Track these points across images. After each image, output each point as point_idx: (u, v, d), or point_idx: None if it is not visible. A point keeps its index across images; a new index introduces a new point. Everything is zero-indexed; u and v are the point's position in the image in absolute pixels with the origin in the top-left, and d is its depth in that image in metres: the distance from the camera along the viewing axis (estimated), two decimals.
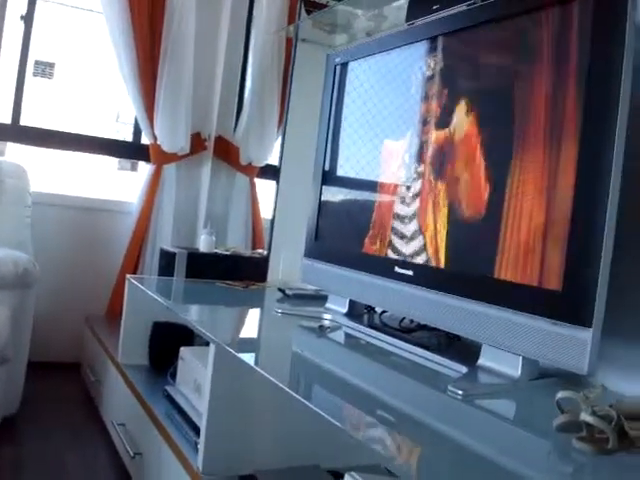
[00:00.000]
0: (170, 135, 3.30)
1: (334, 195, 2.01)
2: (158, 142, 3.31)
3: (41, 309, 2.66)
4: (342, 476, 1.44)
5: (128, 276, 2.45)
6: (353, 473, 1.14)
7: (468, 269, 1.46)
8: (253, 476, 1.52)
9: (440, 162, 1.56)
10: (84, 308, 3.28)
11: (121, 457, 2.19)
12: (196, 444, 1.62)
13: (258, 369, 1.35)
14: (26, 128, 3.34)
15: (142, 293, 2.29)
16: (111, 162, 12.88)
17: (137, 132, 3.56)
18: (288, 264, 2.80)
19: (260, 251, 3.24)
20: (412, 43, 1.72)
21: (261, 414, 1.61)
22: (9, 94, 3.31)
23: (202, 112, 3.51)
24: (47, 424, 2.56)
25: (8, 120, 3.31)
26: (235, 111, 3.60)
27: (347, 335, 1.79)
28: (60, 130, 3.47)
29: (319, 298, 2.22)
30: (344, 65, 2.02)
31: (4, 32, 3.24)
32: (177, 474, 1.64)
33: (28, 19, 3.29)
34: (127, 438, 2.08)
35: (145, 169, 3.47)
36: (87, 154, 3.57)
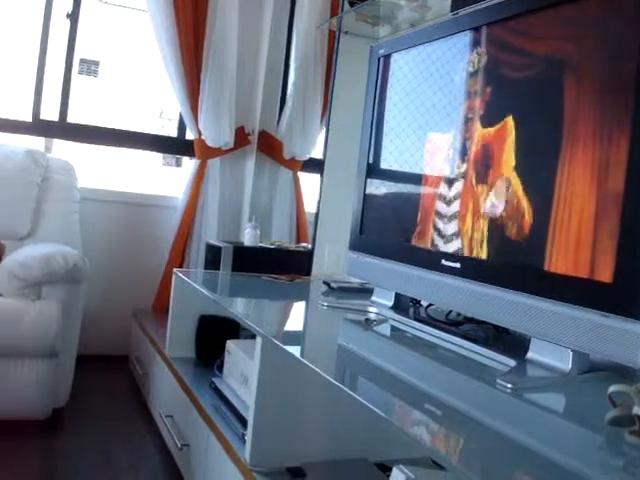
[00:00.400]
0: (214, 130, 3.32)
1: (379, 188, 2.00)
2: (202, 137, 3.34)
3: (90, 303, 2.71)
4: (389, 469, 1.44)
5: (175, 270, 2.48)
6: (401, 466, 1.14)
7: (517, 261, 1.44)
8: (300, 469, 1.52)
9: (486, 154, 1.55)
10: (132, 302, 3.33)
11: (169, 448, 2.22)
12: (243, 436, 1.63)
13: (305, 361, 1.35)
14: (73, 125, 3.40)
15: (189, 287, 2.31)
16: (156, 158, 13.05)
17: (182, 127, 3.60)
18: (333, 257, 2.80)
19: (304, 244, 3.25)
20: (457, 33, 1.70)
21: (308, 407, 1.61)
22: (56, 92, 3.36)
23: (245, 107, 3.52)
24: (96, 416, 2.61)
25: (55, 117, 3.37)
26: (278, 105, 3.61)
27: (393, 328, 1.78)
28: (106, 127, 3.53)
29: (364, 291, 2.22)
30: (388, 57, 2.00)
31: (50, 30, 3.30)
32: (224, 466, 1.65)
33: (74, 17, 3.34)
34: (175, 430, 2.10)
35: (190, 164, 3.50)
36: (133, 150, 3.61)
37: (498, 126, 1.52)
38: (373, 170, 2.03)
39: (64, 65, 3.37)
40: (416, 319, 1.79)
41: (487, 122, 1.56)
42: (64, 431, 2.44)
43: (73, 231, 2.95)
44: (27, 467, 2.14)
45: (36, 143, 3.40)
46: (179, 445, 2.00)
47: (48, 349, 2.30)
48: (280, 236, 3.46)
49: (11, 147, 3.01)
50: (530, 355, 1.40)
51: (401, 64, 1.94)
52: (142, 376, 2.77)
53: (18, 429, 2.33)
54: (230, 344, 2.04)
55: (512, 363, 1.41)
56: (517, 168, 1.45)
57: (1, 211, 2.84)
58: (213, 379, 2.06)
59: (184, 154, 3.70)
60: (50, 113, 3.35)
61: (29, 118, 3.32)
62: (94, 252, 2.99)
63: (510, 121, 1.49)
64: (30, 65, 3.33)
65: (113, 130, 3.53)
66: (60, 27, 3.33)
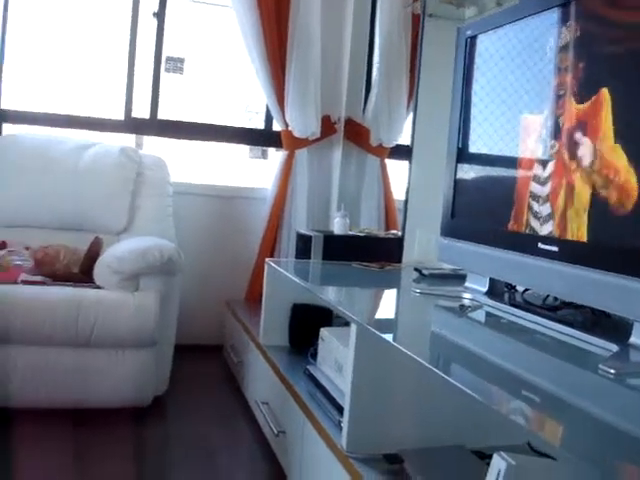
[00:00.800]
0: (301, 120, 3.33)
1: (469, 172, 1.97)
2: (289, 128, 3.36)
3: (185, 294, 2.77)
4: (487, 457, 1.42)
5: (267, 260, 2.51)
6: (502, 453, 1.12)
7: (618, 243, 1.39)
8: (397, 455, 1.51)
9: (581, 133, 1.50)
10: (225, 292, 3.40)
11: (265, 435, 2.26)
12: (339, 423, 1.63)
13: (401, 348, 1.35)
14: (163, 121, 3.49)
15: (281, 276, 2.34)
16: (243, 151, 13.20)
17: (268, 119, 3.63)
18: (423, 244, 2.78)
19: (394, 232, 3.23)
20: (546, 10, 1.65)
21: (404, 393, 1.60)
22: (145, 90, 3.45)
23: (331, 95, 3.51)
24: (194, 403, 2.68)
25: (146, 115, 3.47)
26: (363, 92, 3.59)
27: (488, 314, 1.76)
28: (196, 122, 3.62)
29: (457, 277, 2.19)
30: (474, 38, 1.96)
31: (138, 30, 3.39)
32: (321, 452, 1.67)
33: (160, 16, 3.41)
34: (270, 417, 2.13)
35: (276, 156, 3.53)
36: (221, 143, 3.68)
37: (593, 101, 1.47)
38: (463, 154, 2.00)
39: (153, 63, 3.46)
40: (512, 304, 1.75)
41: (581, 98, 1.50)
42: (164, 418, 2.52)
43: (167, 224, 3.02)
44: (131, 452, 2.23)
45: (127, 141, 3.49)
46: (275, 432, 2.02)
47: (147, 339, 2.38)
48: (369, 224, 3.45)
49: (106, 145, 3.12)
50: (633, 340, 1.35)
51: (488, 45, 1.90)
52: (237, 364, 2.82)
53: (122, 416, 2.42)
54: (324, 332, 2.05)
55: (613, 348, 1.36)
56: (616, 143, 1.39)
57: (99, 207, 2.95)
58: (307, 366, 2.08)
59: (271, 145, 3.75)
60: (141, 111, 3.46)
61: (121, 117, 3.43)
62: (187, 244, 3.05)
63: (606, 95, 1.43)
64: (120, 65, 3.43)
65: (202, 125, 3.62)
66: (147, 26, 3.41)
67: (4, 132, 3.34)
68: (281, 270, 2.33)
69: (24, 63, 3.70)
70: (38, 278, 2.54)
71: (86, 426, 2.33)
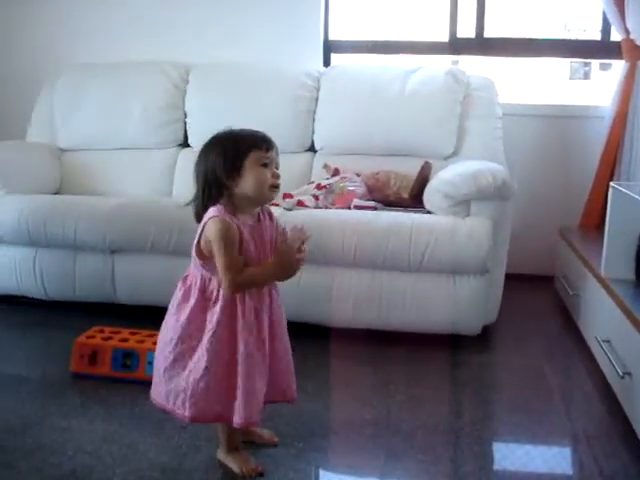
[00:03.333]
0: None
1: None
2: (631, 36, 3.02)
3: (515, 221, 2.64)
4: None
5: (612, 183, 2.26)
6: None
7: None
8: None
9: None
10: (557, 219, 3.21)
11: (605, 375, 2.09)
12: None
13: None
14: (491, 39, 3.38)
15: (630, 201, 2.10)
16: (562, 72, 12.55)
17: (606, 29, 3.32)
18: None
19: None
20: None
21: None
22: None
23: None
24: (523, 334, 2.60)
25: (471, 35, 3.39)
26: None
27: None
28: (527, 37, 3.46)
29: None
30: None
31: None
32: None
33: None
34: (614, 356, 1.95)
35: (600, 76, 3.24)
36: (552, 59, 3.46)
37: None
38: None
39: None
40: None
41: None
42: (493, 347, 2.47)
43: (496, 148, 2.89)
44: (460, 377, 2.23)
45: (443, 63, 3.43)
46: (620, 373, 1.86)
47: (479, 266, 2.31)
48: None
49: (432, 69, 3.06)
50: None
51: None
52: (571, 296, 2.64)
53: (450, 343, 2.41)
54: None
55: None
56: None
57: (427, 131, 2.91)
58: None
59: (609, 58, 3.48)
60: (467, 31, 3.39)
61: (445, 38, 3.38)
62: (517, 168, 2.90)
63: None
64: None
65: (535, 40, 3.46)
66: None
67: (332, 62, 3.45)
68: (632, 195, 2.08)
69: None
70: (370, 203, 2.60)
71: (413, 349, 2.37)
